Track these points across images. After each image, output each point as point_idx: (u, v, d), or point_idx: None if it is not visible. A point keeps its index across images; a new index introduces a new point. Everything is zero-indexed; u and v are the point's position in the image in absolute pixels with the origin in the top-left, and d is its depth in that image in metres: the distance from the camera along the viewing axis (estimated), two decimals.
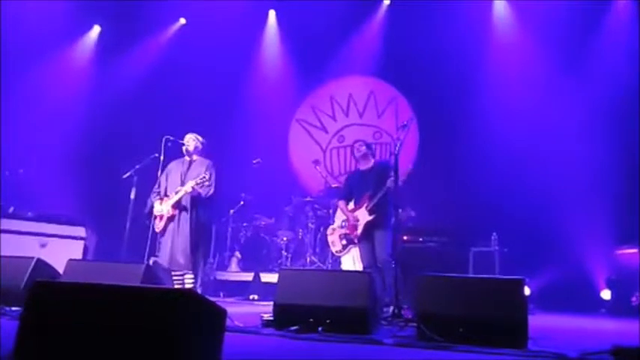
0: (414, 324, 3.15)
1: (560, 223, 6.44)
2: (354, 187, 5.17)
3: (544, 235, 6.51)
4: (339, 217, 5.99)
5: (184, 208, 4.82)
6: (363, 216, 4.89)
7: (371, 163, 5.17)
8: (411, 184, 5.22)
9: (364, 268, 4.89)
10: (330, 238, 5.78)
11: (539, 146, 6.99)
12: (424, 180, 6.91)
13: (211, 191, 4.84)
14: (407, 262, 5.33)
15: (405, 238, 6.39)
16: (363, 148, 5.17)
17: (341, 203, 5.26)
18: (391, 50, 8.41)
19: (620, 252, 6.17)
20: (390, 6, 8.72)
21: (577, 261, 6.39)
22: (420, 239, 6.38)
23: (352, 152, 5.28)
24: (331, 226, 5.86)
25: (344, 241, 5.62)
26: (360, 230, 4.90)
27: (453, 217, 6.85)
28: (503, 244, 6.13)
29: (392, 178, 4.52)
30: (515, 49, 7.57)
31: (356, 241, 5.04)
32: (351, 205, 5.16)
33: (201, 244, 4.95)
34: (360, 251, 4.98)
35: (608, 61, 6.84)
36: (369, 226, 4.84)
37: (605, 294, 6.19)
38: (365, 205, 4.89)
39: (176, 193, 4.81)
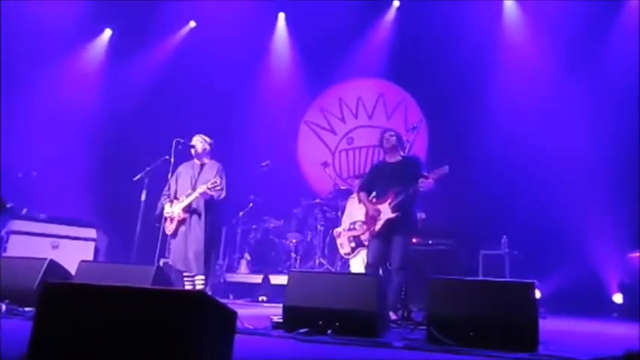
0: (424, 327, 3.14)
1: (571, 225, 6.38)
2: (379, 180, 4.76)
3: (555, 238, 6.46)
4: (347, 220, 5.97)
5: (196, 212, 4.84)
6: (386, 211, 4.52)
7: (399, 156, 4.78)
8: None
9: (368, 264, 4.61)
10: (338, 241, 5.74)
11: (550, 148, 6.93)
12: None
13: (223, 195, 4.85)
14: (416, 265, 5.29)
15: (414, 240, 6.36)
16: (394, 138, 4.74)
17: (362, 195, 4.83)
18: (400, 52, 8.40)
19: (633, 255, 6.10)
20: (399, 8, 8.71)
21: (588, 264, 6.34)
22: (430, 242, 6.34)
23: (380, 142, 4.85)
24: (337, 229, 5.83)
25: (353, 244, 5.57)
26: (379, 226, 4.54)
27: (463, 219, 6.82)
28: (514, 246, 6.09)
29: (424, 178, 4.33)
30: (525, 51, 7.52)
31: (366, 243, 4.91)
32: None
33: (213, 247, 4.97)
34: (370, 246, 4.68)
35: (620, 62, 6.77)
36: (389, 224, 4.48)
37: (617, 298, 6.13)
38: (389, 201, 4.53)
39: (187, 196, 4.83)
